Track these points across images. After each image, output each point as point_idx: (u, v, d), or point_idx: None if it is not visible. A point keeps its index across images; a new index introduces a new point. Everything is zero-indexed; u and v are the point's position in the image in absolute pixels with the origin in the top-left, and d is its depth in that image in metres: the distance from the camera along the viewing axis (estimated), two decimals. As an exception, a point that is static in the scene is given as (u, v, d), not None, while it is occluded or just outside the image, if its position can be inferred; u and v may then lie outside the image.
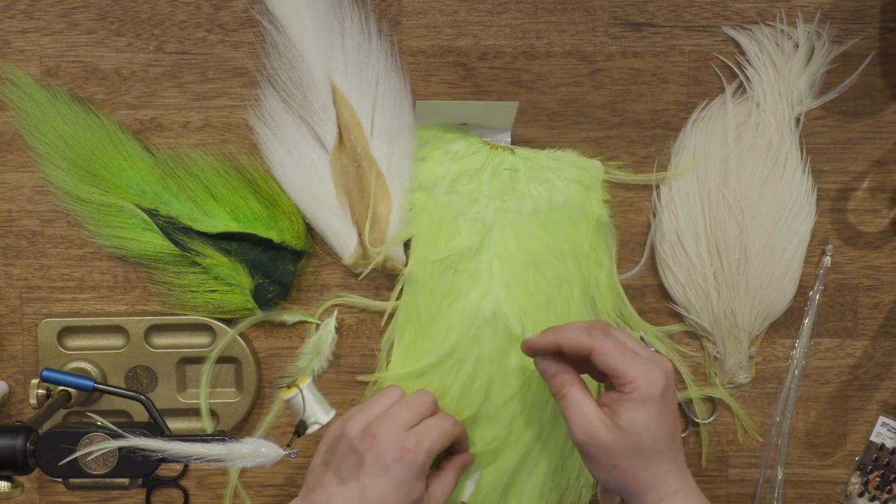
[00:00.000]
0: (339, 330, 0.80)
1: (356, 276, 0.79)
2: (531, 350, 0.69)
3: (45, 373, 0.68)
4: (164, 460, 0.64)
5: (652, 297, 0.80)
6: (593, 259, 0.78)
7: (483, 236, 0.76)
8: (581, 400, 0.67)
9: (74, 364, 0.78)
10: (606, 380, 0.67)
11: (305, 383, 0.69)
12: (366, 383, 0.80)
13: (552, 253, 0.77)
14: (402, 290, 0.78)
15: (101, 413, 0.76)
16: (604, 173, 0.78)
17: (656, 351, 0.73)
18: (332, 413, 0.69)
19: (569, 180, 0.77)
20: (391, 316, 0.79)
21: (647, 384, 0.64)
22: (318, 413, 0.69)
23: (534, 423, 0.77)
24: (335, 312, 0.80)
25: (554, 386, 0.68)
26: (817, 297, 0.80)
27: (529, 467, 0.77)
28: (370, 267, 0.77)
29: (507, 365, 0.76)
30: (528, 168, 0.77)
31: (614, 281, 0.79)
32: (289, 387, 0.69)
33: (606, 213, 0.78)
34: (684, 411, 0.81)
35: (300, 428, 0.68)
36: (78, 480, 0.66)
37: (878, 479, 0.81)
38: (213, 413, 0.80)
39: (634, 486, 0.66)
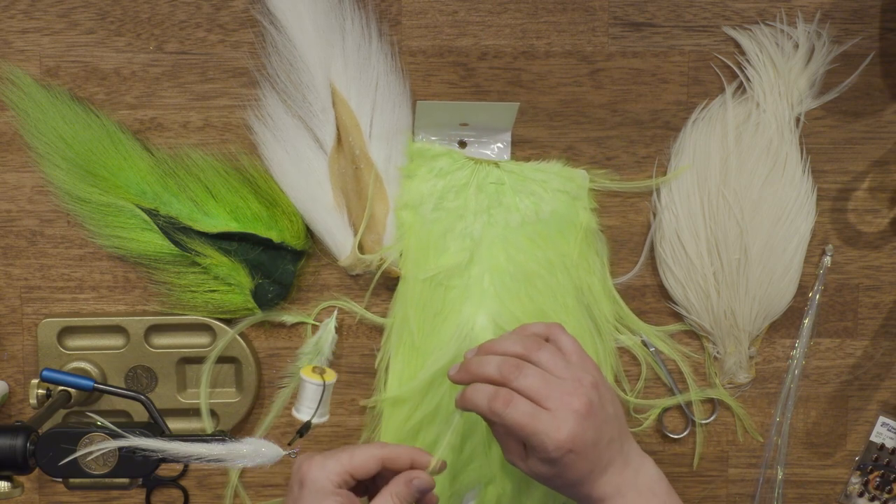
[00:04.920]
0: (339, 330, 0.80)
1: (354, 277, 0.79)
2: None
3: (45, 373, 0.68)
4: (164, 460, 0.64)
5: (652, 297, 0.80)
6: (584, 268, 0.78)
7: (472, 251, 0.77)
8: (504, 435, 0.67)
9: (74, 364, 0.78)
10: None
11: (332, 380, 0.68)
12: (368, 384, 0.80)
13: (542, 265, 0.77)
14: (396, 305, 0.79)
15: (101, 413, 0.76)
16: (589, 182, 0.78)
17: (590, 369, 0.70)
18: (326, 418, 0.69)
19: (555, 191, 0.77)
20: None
21: (551, 449, 0.63)
22: (321, 411, 0.68)
23: None
24: (335, 313, 0.80)
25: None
26: (817, 297, 0.80)
27: (528, 483, 0.77)
28: (370, 272, 0.78)
29: None
30: (513, 181, 0.77)
31: (609, 287, 0.79)
32: (314, 371, 0.68)
33: (594, 221, 0.78)
34: (684, 411, 0.81)
35: (303, 429, 0.68)
36: (78, 480, 0.66)
37: (878, 479, 0.81)
38: (213, 413, 0.80)
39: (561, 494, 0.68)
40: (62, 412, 0.78)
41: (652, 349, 0.80)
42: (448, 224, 0.77)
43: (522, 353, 0.66)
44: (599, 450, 0.65)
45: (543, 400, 0.64)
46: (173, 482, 0.81)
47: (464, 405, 0.67)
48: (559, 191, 0.77)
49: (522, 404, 0.64)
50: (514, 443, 0.67)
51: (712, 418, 0.81)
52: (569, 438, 0.63)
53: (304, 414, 0.68)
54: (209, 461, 0.64)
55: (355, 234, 0.77)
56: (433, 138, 0.78)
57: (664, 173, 0.79)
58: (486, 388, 0.66)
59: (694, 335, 0.80)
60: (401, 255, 0.77)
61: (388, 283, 0.79)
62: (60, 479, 0.78)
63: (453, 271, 0.77)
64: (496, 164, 0.78)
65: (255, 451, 0.65)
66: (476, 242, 0.77)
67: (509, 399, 0.64)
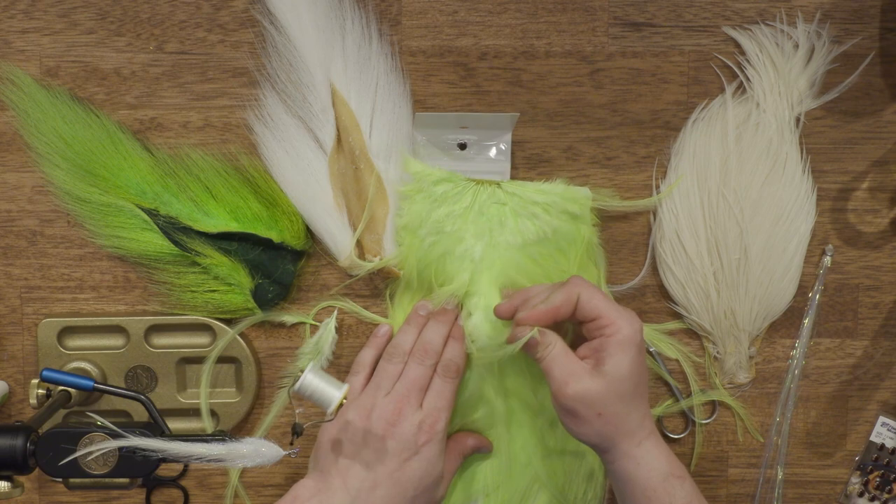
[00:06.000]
0: (339, 330, 0.80)
1: (354, 276, 0.79)
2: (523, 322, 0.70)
3: (45, 373, 0.68)
4: (164, 460, 0.64)
5: (652, 297, 0.80)
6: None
7: (472, 273, 0.75)
8: (564, 357, 0.68)
9: (74, 364, 0.78)
10: (581, 329, 0.69)
11: (308, 367, 0.68)
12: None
13: (539, 281, 0.75)
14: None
15: (101, 413, 0.76)
16: (592, 200, 0.77)
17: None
18: (345, 387, 0.69)
19: (557, 212, 0.76)
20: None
21: (629, 326, 0.66)
22: (328, 393, 0.68)
23: (537, 449, 0.77)
24: (335, 312, 0.80)
25: (535, 353, 0.69)
26: (817, 297, 0.80)
27: (534, 493, 0.77)
28: (363, 272, 0.78)
29: (504, 391, 0.76)
30: (514, 203, 0.75)
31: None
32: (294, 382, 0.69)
33: (595, 235, 0.78)
34: (685, 411, 0.81)
35: (297, 428, 0.68)
36: (78, 480, 0.66)
37: (878, 479, 0.81)
38: (213, 413, 0.80)
39: (616, 432, 0.67)
40: (62, 412, 0.78)
41: (652, 349, 0.80)
42: (447, 246, 0.75)
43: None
44: (647, 375, 0.69)
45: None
46: (173, 482, 0.81)
47: (544, 315, 0.68)
48: (561, 212, 0.76)
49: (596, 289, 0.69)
50: (576, 360, 0.68)
51: (712, 418, 0.81)
52: (641, 327, 0.68)
53: (336, 394, 0.68)
54: (209, 461, 0.64)
55: (356, 239, 0.77)
56: (433, 148, 0.78)
57: (664, 174, 0.79)
58: (559, 284, 0.70)
59: (694, 335, 0.80)
60: (400, 262, 0.77)
61: (387, 283, 0.79)
62: (60, 479, 0.78)
63: (453, 292, 0.76)
64: (498, 184, 0.76)
65: (255, 451, 0.65)
66: (476, 264, 0.75)
67: (580, 283, 0.69)
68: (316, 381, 0.68)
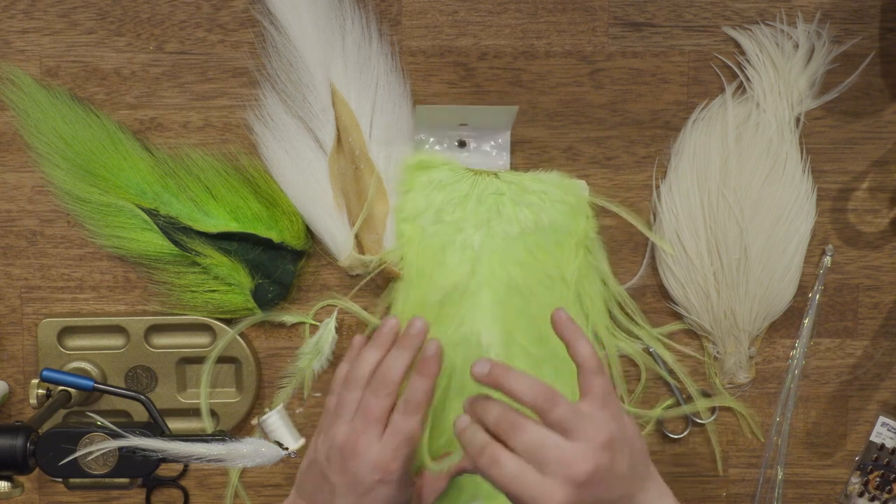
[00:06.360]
0: (339, 330, 0.80)
1: (354, 277, 0.79)
2: None
3: (45, 373, 0.68)
4: (164, 460, 0.64)
5: (652, 297, 0.80)
6: (585, 279, 0.77)
7: (473, 264, 0.76)
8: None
9: (74, 364, 0.78)
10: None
11: (277, 408, 0.70)
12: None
13: (540, 279, 0.76)
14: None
15: (101, 413, 0.76)
16: (589, 194, 0.77)
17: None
18: (301, 442, 0.69)
19: (554, 202, 0.76)
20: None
21: None
22: (285, 439, 0.69)
23: None
24: (335, 312, 0.80)
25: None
26: (817, 297, 0.80)
27: None
28: (366, 278, 0.78)
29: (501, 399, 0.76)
30: (512, 192, 0.76)
31: (614, 293, 0.78)
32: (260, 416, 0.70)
33: (593, 229, 0.77)
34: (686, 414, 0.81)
35: (280, 444, 0.69)
36: (78, 480, 0.66)
37: (878, 479, 0.81)
38: (213, 413, 0.80)
39: None
40: (62, 412, 0.78)
41: (651, 350, 0.80)
42: (447, 237, 0.76)
43: (532, 404, 0.61)
44: None
45: (539, 465, 0.60)
46: (173, 482, 0.81)
47: (458, 439, 0.64)
48: (558, 201, 0.76)
49: (509, 465, 0.60)
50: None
51: (712, 418, 0.81)
52: (566, 496, 0.58)
53: (291, 443, 0.69)
54: (209, 461, 0.64)
55: (355, 234, 0.77)
56: (432, 139, 0.78)
57: (664, 174, 0.79)
58: (479, 439, 0.62)
59: (694, 335, 0.80)
60: (401, 259, 0.77)
61: (387, 283, 0.79)
62: (60, 479, 0.78)
63: (455, 286, 0.76)
64: (496, 174, 0.77)
65: (255, 451, 0.65)
66: (476, 254, 0.76)
67: (495, 458, 0.60)
68: (278, 424, 0.69)
